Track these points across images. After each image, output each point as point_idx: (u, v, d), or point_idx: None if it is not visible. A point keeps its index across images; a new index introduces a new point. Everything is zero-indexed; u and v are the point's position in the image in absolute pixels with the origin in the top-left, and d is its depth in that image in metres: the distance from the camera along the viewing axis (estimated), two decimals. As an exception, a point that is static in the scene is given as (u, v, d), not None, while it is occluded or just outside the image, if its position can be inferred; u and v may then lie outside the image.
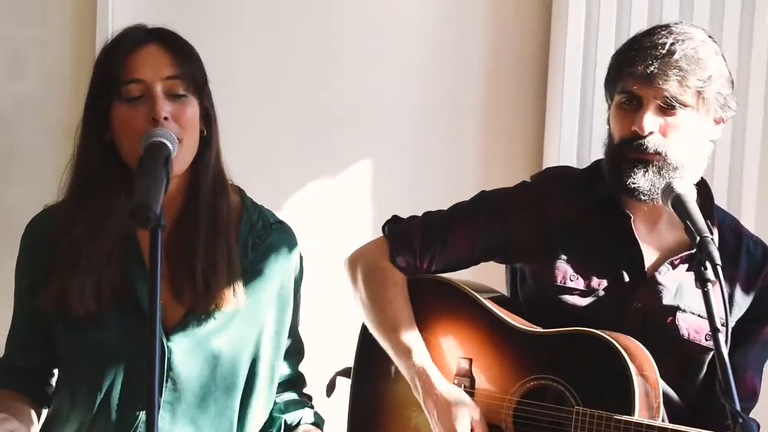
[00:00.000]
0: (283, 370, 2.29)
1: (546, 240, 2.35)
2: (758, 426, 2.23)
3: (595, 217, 2.34)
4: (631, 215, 2.31)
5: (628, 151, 2.25)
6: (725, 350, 1.88)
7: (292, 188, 3.46)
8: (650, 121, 2.23)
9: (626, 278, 2.32)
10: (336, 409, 2.55)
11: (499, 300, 2.43)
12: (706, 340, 2.29)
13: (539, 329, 2.30)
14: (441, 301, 2.41)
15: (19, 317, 2.21)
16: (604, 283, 2.32)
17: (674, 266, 2.30)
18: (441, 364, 2.35)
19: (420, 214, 2.49)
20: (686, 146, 2.26)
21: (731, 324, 2.30)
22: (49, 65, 3.24)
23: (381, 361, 2.42)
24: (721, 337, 1.89)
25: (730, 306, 2.32)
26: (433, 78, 3.52)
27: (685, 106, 2.24)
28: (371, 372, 2.46)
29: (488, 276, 2.66)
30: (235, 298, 2.10)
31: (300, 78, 3.46)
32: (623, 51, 2.30)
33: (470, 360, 2.34)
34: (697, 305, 2.28)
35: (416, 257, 2.42)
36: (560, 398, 2.24)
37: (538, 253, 2.36)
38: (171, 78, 2.05)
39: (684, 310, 2.28)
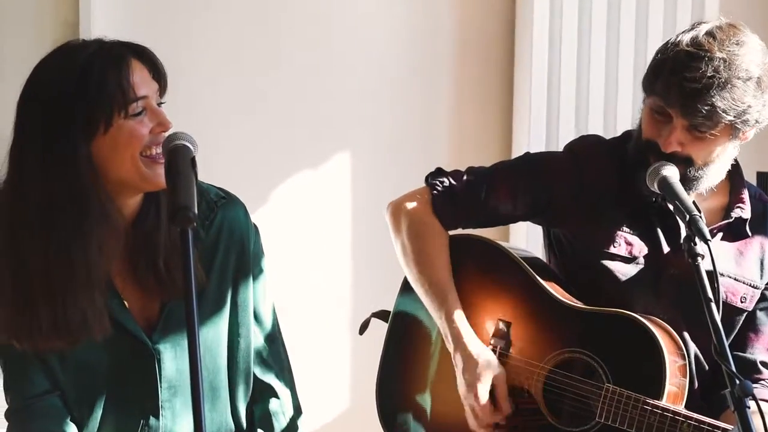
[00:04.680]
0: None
1: (588, 207, 2.39)
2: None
3: (632, 189, 2.35)
4: None
5: (651, 155, 2.29)
6: (718, 318, 1.96)
7: (274, 181, 3.55)
8: (675, 141, 2.26)
9: (665, 247, 2.37)
10: (368, 349, 2.63)
11: (539, 265, 2.47)
12: (741, 301, 2.38)
13: (581, 305, 2.35)
14: (487, 263, 2.45)
15: (8, 355, 2.10)
16: (645, 250, 2.37)
17: (711, 235, 2.23)
18: (479, 323, 2.40)
19: (463, 170, 2.51)
20: (709, 161, 2.30)
21: (761, 285, 2.41)
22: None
23: (421, 311, 2.47)
24: (713, 305, 1.96)
25: (762, 269, 2.41)
26: (405, 71, 3.63)
27: (714, 134, 2.25)
28: (409, 320, 2.51)
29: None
30: (197, 277, 1.99)
31: (280, 75, 3.54)
32: (666, 61, 2.26)
33: (509, 323, 2.39)
34: (733, 269, 2.34)
35: (458, 209, 2.46)
36: (592, 373, 2.29)
37: (581, 218, 2.40)
38: (157, 90, 2.07)
39: (720, 274, 2.26)
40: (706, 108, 2.21)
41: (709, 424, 2.18)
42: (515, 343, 2.39)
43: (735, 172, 2.43)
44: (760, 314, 2.43)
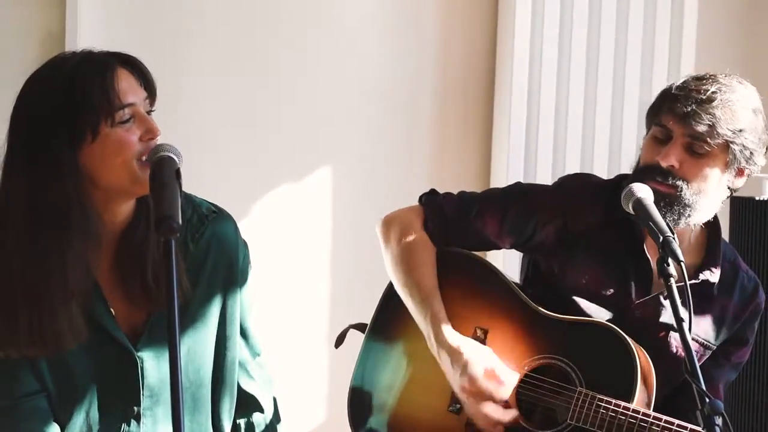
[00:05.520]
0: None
1: (567, 243, 2.46)
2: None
3: (614, 231, 2.44)
4: (645, 236, 2.41)
5: (646, 179, 2.34)
6: (689, 337, 2.01)
7: (255, 195, 3.56)
8: (673, 155, 2.33)
9: (633, 290, 2.44)
10: (344, 362, 2.65)
11: (515, 282, 2.53)
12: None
13: (557, 314, 2.41)
14: (466, 273, 2.52)
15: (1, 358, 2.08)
16: (612, 290, 2.44)
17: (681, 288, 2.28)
18: (457, 330, 2.44)
19: (455, 192, 2.59)
20: (702, 189, 2.35)
21: (714, 345, 2.50)
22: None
23: (399, 319, 2.52)
24: (685, 325, 2.03)
25: (719, 330, 2.49)
26: (388, 90, 3.67)
27: (711, 151, 2.33)
28: (388, 328, 2.56)
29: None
30: (182, 289, 2.08)
31: (264, 89, 3.56)
32: (671, 89, 2.39)
33: (486, 331, 2.45)
34: (692, 328, 2.33)
35: (447, 229, 2.53)
36: (566, 378, 2.35)
37: (558, 252, 2.47)
38: (146, 98, 2.08)
39: (675, 329, 2.27)
40: (708, 116, 2.31)
41: (678, 425, 2.24)
42: (492, 349, 2.42)
43: (714, 232, 2.50)
44: (710, 367, 2.49)
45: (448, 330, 2.41)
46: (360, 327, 2.67)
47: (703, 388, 1.95)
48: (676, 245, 2.07)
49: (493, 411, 2.35)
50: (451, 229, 2.53)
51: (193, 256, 2.16)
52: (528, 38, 3.60)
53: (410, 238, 2.52)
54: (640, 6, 3.64)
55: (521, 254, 2.65)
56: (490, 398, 2.35)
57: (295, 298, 3.63)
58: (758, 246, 3.19)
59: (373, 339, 2.59)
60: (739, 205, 3.27)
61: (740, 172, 2.40)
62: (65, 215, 2.01)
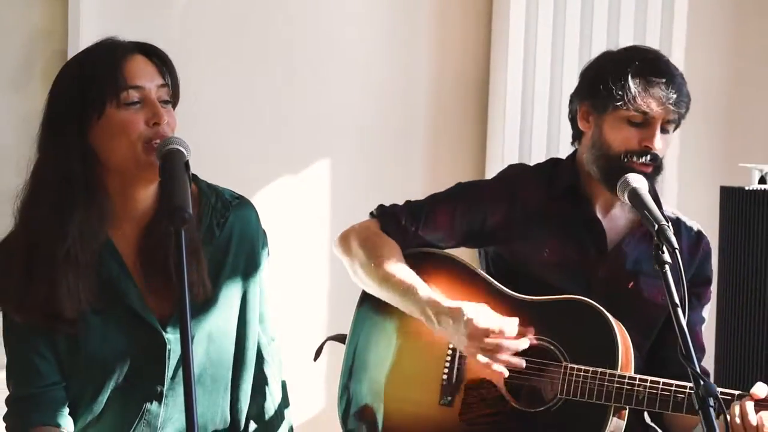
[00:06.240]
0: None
1: (519, 223, 2.56)
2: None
3: (559, 203, 2.56)
4: (594, 200, 2.56)
5: (631, 163, 2.46)
6: (684, 321, 2.06)
7: (255, 187, 3.58)
8: (658, 138, 2.46)
9: (592, 253, 2.55)
10: (341, 348, 2.67)
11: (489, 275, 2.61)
12: (662, 299, 2.46)
13: (533, 297, 2.49)
14: (439, 269, 2.57)
15: (15, 343, 2.17)
16: (573, 257, 2.54)
17: (636, 238, 2.54)
18: None
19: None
20: (665, 154, 2.52)
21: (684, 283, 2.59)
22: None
23: (381, 319, 2.58)
24: (679, 310, 2.07)
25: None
26: (386, 88, 3.71)
27: (677, 126, 2.51)
28: (371, 329, 2.61)
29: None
30: (204, 289, 2.13)
31: (266, 85, 3.59)
32: (640, 71, 2.46)
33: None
34: (654, 269, 2.44)
35: (403, 231, 2.58)
36: (551, 356, 2.43)
37: (513, 235, 2.56)
38: (162, 86, 2.12)
39: (645, 275, 2.51)
40: (685, 100, 2.46)
41: (664, 383, 2.34)
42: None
43: (653, 194, 2.57)
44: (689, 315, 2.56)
45: (442, 299, 2.44)
46: (338, 338, 2.71)
47: (698, 370, 2.00)
48: (671, 233, 2.13)
49: (507, 345, 2.37)
50: (409, 230, 2.59)
51: (219, 241, 2.21)
52: (522, 43, 3.65)
53: (372, 239, 2.57)
54: (630, 12, 3.69)
55: (477, 252, 2.71)
56: (499, 333, 2.36)
57: (294, 288, 3.66)
58: (748, 236, 3.24)
59: (356, 341, 2.62)
60: (729, 194, 3.31)
61: None
62: (70, 188, 2.07)
